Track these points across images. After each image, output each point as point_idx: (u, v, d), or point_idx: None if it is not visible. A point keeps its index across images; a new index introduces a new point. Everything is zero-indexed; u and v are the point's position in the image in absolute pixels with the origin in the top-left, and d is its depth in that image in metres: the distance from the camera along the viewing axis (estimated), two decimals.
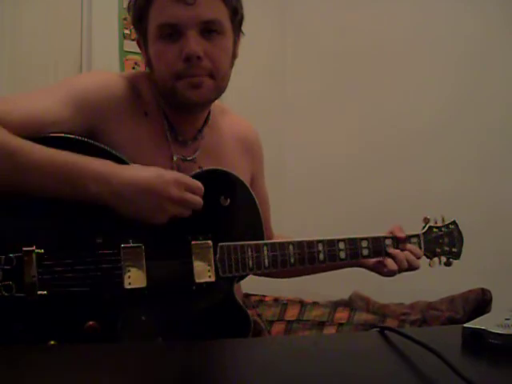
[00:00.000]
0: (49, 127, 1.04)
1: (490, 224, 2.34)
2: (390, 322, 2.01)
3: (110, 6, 2.38)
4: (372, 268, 1.34)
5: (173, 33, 1.09)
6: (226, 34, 1.13)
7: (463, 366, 0.70)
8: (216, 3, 1.11)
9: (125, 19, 2.39)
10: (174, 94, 1.13)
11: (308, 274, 1.40)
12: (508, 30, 2.42)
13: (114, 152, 1.08)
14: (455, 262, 1.41)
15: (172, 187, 1.04)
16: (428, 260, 1.39)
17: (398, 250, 1.30)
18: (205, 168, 1.17)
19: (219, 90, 1.16)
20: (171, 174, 1.06)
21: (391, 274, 1.30)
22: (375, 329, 0.92)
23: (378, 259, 1.31)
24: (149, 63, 1.16)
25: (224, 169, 1.17)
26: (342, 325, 2.05)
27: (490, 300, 1.98)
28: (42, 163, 0.98)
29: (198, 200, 1.07)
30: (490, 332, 0.81)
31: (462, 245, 1.42)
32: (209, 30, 1.10)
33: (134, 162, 1.08)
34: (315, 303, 2.15)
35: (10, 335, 0.96)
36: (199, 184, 1.08)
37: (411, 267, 1.30)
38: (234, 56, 1.18)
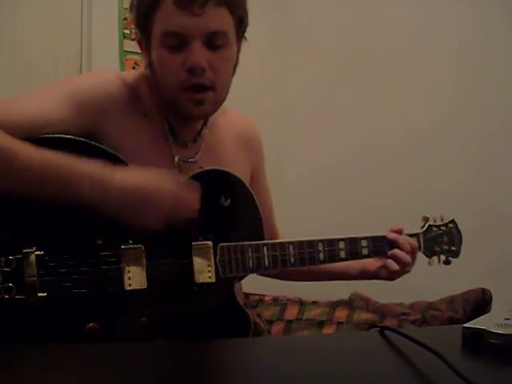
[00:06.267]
0: (47, 127, 1.03)
1: (489, 224, 2.34)
2: (390, 321, 2.02)
3: (110, 6, 2.38)
4: (376, 273, 1.31)
5: (177, 42, 1.07)
6: (230, 45, 1.12)
7: (463, 365, 0.70)
8: (222, 14, 1.08)
9: (125, 19, 2.39)
10: (176, 104, 1.12)
11: (309, 280, 1.40)
12: (508, 30, 2.42)
13: (112, 152, 1.06)
14: (454, 260, 1.41)
15: (167, 191, 1.03)
16: (427, 259, 1.39)
17: (396, 250, 1.29)
18: (205, 168, 1.16)
19: (219, 103, 1.15)
20: (164, 181, 1.04)
21: (393, 274, 1.29)
22: (375, 328, 0.92)
23: (380, 264, 1.30)
24: (150, 66, 1.15)
25: (224, 169, 1.16)
26: (341, 324, 2.05)
27: (490, 300, 1.98)
28: (40, 167, 0.97)
29: (195, 201, 1.06)
30: (490, 332, 0.81)
31: (461, 243, 1.42)
32: (214, 41, 1.08)
33: (134, 163, 1.07)
34: (314, 302, 2.15)
35: (10, 337, 0.96)
36: (195, 185, 1.07)
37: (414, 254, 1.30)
38: (236, 64, 1.17)
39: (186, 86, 1.09)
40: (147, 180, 1.02)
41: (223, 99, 1.15)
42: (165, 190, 1.03)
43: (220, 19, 1.08)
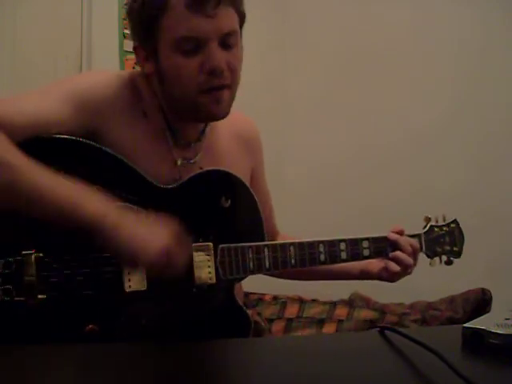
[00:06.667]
0: (47, 128, 1.02)
1: (489, 224, 2.34)
2: (390, 318, 2.01)
3: (110, 5, 2.38)
4: (377, 275, 1.31)
5: (193, 46, 1.05)
6: (239, 43, 1.12)
7: (463, 365, 0.70)
8: (231, 13, 1.08)
9: (125, 19, 2.38)
10: (195, 107, 1.10)
11: (310, 280, 1.40)
12: (508, 30, 2.42)
13: (113, 153, 1.06)
14: (455, 260, 1.41)
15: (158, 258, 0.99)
16: (428, 259, 1.39)
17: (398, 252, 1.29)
18: (205, 168, 1.16)
19: (233, 99, 1.14)
20: (160, 245, 0.99)
21: (394, 276, 1.29)
22: (375, 328, 0.92)
23: (382, 266, 1.30)
24: (159, 75, 1.11)
25: (224, 169, 1.15)
26: (341, 322, 2.05)
27: (490, 300, 1.98)
28: (44, 193, 0.95)
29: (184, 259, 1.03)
30: (490, 332, 0.81)
31: (463, 243, 1.42)
32: (227, 41, 1.08)
33: (134, 164, 1.07)
34: (314, 300, 2.15)
35: (9, 339, 0.96)
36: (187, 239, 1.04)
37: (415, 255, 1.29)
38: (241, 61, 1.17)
39: (204, 89, 1.08)
40: (147, 236, 0.99)
41: (234, 97, 1.14)
42: (159, 251, 0.98)
43: (231, 18, 1.08)
